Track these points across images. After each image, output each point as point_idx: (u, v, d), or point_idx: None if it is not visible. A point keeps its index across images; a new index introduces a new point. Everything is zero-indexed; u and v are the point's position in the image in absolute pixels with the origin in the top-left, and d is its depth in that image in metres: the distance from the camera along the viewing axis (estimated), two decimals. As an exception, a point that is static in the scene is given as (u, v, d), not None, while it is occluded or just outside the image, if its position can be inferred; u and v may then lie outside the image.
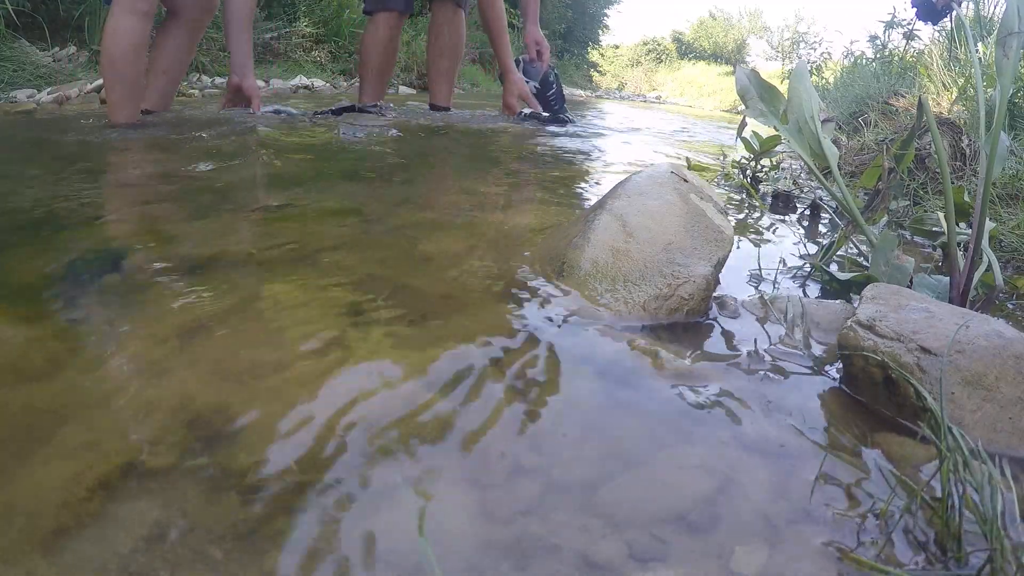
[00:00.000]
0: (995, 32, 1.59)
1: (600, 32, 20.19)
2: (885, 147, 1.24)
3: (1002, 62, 0.81)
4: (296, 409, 0.57)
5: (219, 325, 0.72)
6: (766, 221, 1.47)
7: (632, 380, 0.66)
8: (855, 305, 0.75)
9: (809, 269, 1.04)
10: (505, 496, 0.48)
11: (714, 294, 0.86)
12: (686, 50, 28.39)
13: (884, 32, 4.38)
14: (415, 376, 0.63)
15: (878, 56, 4.24)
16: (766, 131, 1.66)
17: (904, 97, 2.60)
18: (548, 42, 3.27)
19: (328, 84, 5.60)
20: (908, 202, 1.55)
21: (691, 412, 0.61)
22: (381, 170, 1.68)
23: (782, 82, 4.48)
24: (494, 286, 0.87)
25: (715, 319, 0.83)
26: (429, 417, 0.57)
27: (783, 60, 26.73)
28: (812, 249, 1.25)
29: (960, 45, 2.61)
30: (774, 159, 1.94)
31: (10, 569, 0.40)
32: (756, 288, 0.97)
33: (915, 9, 1.06)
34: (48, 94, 3.04)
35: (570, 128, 2.98)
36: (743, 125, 1.31)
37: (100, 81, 2.53)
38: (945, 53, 2.65)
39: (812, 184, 1.85)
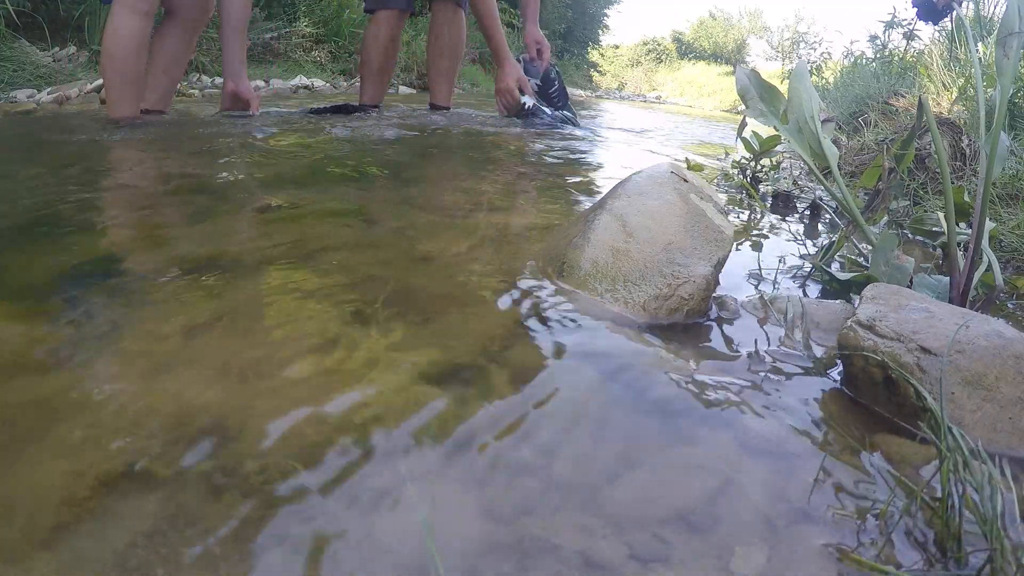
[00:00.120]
0: (995, 32, 1.59)
1: (600, 32, 20.19)
2: (885, 147, 1.24)
3: (1002, 62, 0.81)
4: (296, 408, 0.57)
5: (220, 325, 0.72)
6: (766, 221, 1.47)
7: (632, 380, 0.66)
8: (855, 305, 0.75)
9: (809, 269, 1.04)
10: (506, 495, 0.48)
11: (714, 294, 0.86)
12: (686, 50, 28.39)
13: (884, 32, 4.38)
14: (415, 375, 0.63)
15: (878, 56, 4.24)
16: (766, 131, 1.66)
17: (904, 97, 2.60)
18: (549, 42, 3.26)
19: (328, 84, 5.60)
20: (908, 202, 1.55)
21: (691, 412, 0.61)
22: (380, 170, 1.68)
23: (782, 82, 4.49)
24: (494, 286, 0.87)
25: (715, 319, 0.83)
26: (430, 415, 0.57)
27: (783, 60, 26.74)
28: (812, 249, 1.25)
29: (960, 45, 2.61)
30: (774, 159, 1.94)
31: (10, 566, 0.40)
32: (756, 288, 0.97)
33: (915, 9, 1.06)
34: (48, 94, 3.04)
35: (576, 130, 2.97)
36: (743, 125, 1.31)
37: (100, 81, 2.53)
38: (945, 53, 2.65)
39: (812, 184, 1.85)
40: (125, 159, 1.71)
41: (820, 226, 1.49)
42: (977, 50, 2.37)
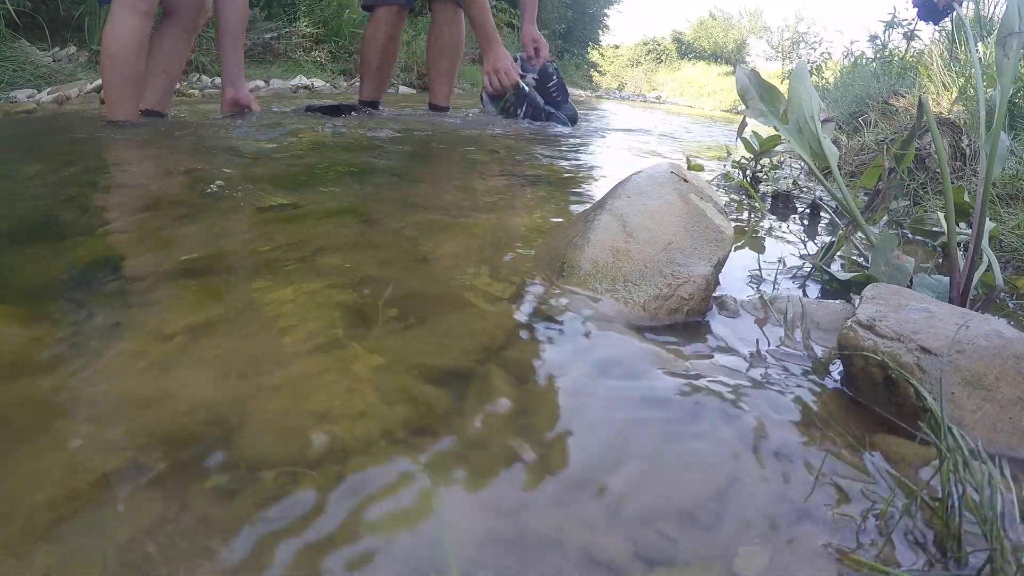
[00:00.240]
0: (995, 32, 1.59)
1: (600, 32, 20.19)
2: (885, 147, 1.24)
3: (1002, 62, 0.81)
4: (297, 407, 0.57)
5: (220, 325, 0.72)
6: (766, 221, 1.47)
7: (632, 380, 0.66)
8: (855, 305, 0.75)
9: (809, 269, 1.04)
10: (507, 491, 0.48)
11: (714, 294, 0.86)
12: (686, 50, 28.38)
13: (884, 32, 4.38)
14: (416, 374, 0.63)
15: (878, 56, 4.24)
16: (766, 131, 1.66)
17: (904, 97, 2.60)
18: (549, 42, 3.27)
19: (328, 84, 5.60)
20: (908, 202, 1.55)
21: (691, 411, 0.61)
22: (379, 170, 1.68)
23: (782, 82, 4.48)
24: (494, 287, 0.87)
25: (715, 319, 0.83)
26: (431, 414, 0.57)
27: (783, 60, 26.73)
28: (812, 249, 1.25)
29: (960, 45, 2.61)
30: (774, 159, 1.94)
31: (12, 558, 0.40)
32: (756, 288, 0.97)
33: (916, 9, 1.06)
34: (48, 94, 3.04)
35: (574, 129, 2.96)
36: (743, 125, 1.31)
37: (100, 81, 2.53)
38: (945, 53, 2.65)
39: (812, 184, 1.85)
40: (125, 160, 1.71)
41: (820, 226, 1.49)
42: (977, 50, 2.37)
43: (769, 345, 0.76)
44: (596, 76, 21.69)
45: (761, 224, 1.44)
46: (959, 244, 0.92)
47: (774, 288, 0.97)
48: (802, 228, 1.45)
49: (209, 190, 1.35)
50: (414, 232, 1.10)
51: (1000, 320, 0.67)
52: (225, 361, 0.64)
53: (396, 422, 0.56)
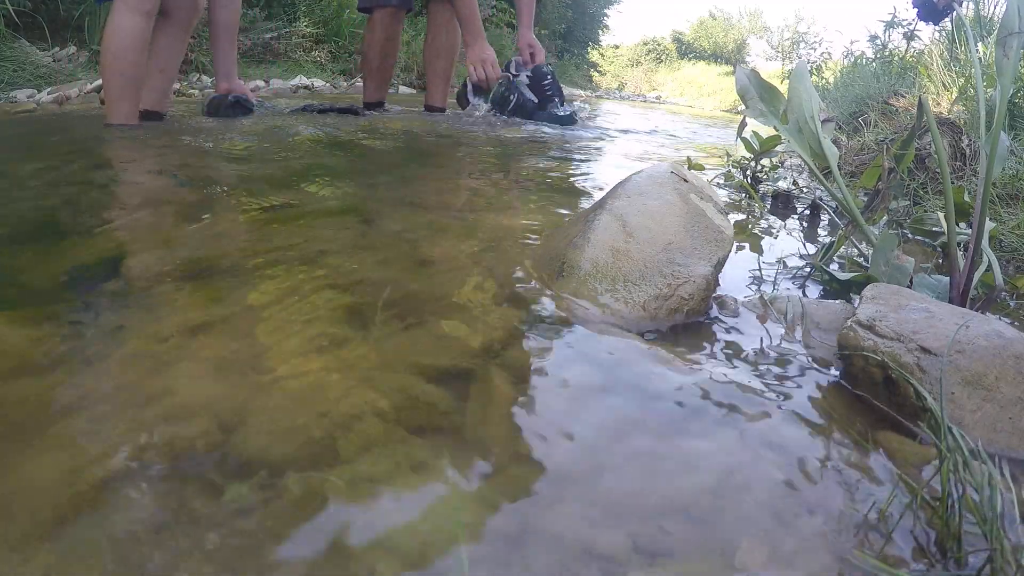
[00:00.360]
0: (995, 32, 1.59)
1: (600, 32, 20.18)
2: (885, 147, 1.24)
3: (1002, 62, 0.81)
4: (297, 406, 0.57)
5: (220, 325, 0.72)
6: (766, 221, 1.47)
7: (632, 378, 0.66)
8: (855, 305, 0.75)
9: (809, 269, 1.04)
10: (508, 486, 0.48)
11: (714, 294, 0.86)
12: (686, 50, 28.37)
13: (884, 32, 4.38)
14: (416, 374, 0.63)
15: (878, 56, 4.24)
16: (766, 131, 1.66)
17: (904, 97, 2.60)
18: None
19: (328, 84, 5.60)
20: (908, 202, 1.55)
21: (691, 410, 0.61)
22: (379, 170, 1.68)
23: (782, 82, 4.48)
24: (494, 287, 0.87)
25: (715, 319, 0.83)
26: (431, 413, 0.57)
27: (783, 60, 26.72)
28: (812, 249, 1.25)
29: (960, 45, 2.61)
30: (774, 159, 1.94)
31: (13, 556, 0.40)
32: (756, 288, 0.97)
33: (916, 9, 1.06)
34: (48, 94, 3.04)
35: (568, 130, 2.95)
36: (743, 125, 1.31)
37: (100, 81, 2.54)
38: (945, 53, 2.65)
39: (812, 184, 1.85)
40: (124, 160, 1.71)
41: (820, 226, 1.49)
42: (977, 50, 2.37)
43: (769, 345, 0.76)
44: (596, 76, 21.68)
45: (761, 224, 1.44)
46: (959, 244, 0.92)
47: (774, 288, 0.97)
48: (802, 228, 1.45)
49: (209, 190, 1.35)
50: (413, 233, 1.10)
51: (1000, 320, 0.67)
52: (225, 361, 0.64)
53: (396, 422, 0.56)
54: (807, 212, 1.58)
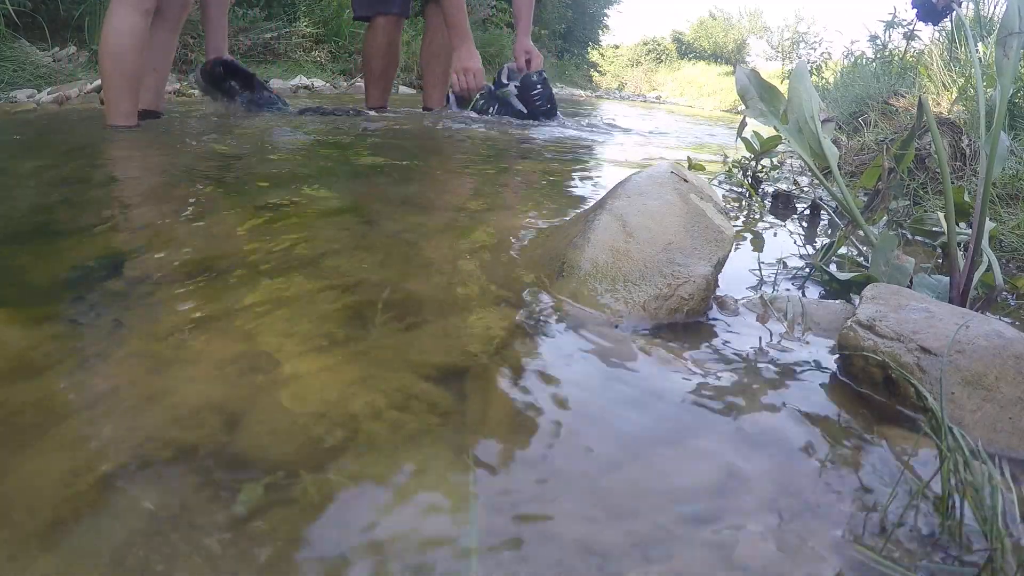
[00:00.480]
0: (995, 32, 1.59)
1: (600, 32, 20.19)
2: (885, 147, 1.24)
3: (1002, 62, 0.81)
4: (295, 406, 0.57)
5: (220, 325, 0.72)
6: (766, 221, 1.47)
7: (632, 378, 0.66)
8: (855, 305, 0.75)
9: (809, 269, 1.04)
10: (507, 485, 0.48)
11: (714, 294, 0.86)
12: (686, 50, 28.37)
13: (884, 32, 4.38)
14: (416, 374, 0.63)
15: (878, 56, 4.24)
16: (766, 131, 1.66)
17: (904, 97, 2.60)
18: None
19: (328, 84, 5.60)
20: (908, 202, 1.55)
21: (691, 408, 0.61)
22: (378, 171, 1.68)
23: (782, 82, 4.48)
24: (494, 287, 0.87)
25: (715, 319, 0.83)
26: (431, 413, 0.57)
27: (783, 60, 26.72)
28: (812, 249, 1.25)
29: (960, 45, 2.61)
30: (774, 159, 1.94)
31: (10, 561, 0.40)
32: (756, 288, 0.97)
33: (915, 10, 1.06)
34: (48, 94, 3.04)
35: (568, 130, 2.95)
36: (743, 125, 1.31)
37: (100, 81, 2.54)
38: (945, 53, 2.65)
39: (812, 184, 1.85)
40: (124, 160, 1.71)
41: (820, 226, 1.49)
42: (977, 50, 2.37)
43: (769, 344, 0.76)
44: (596, 76, 21.68)
45: (761, 224, 1.44)
46: (959, 244, 0.92)
47: (774, 288, 0.97)
48: (802, 228, 1.45)
49: (209, 190, 1.35)
50: (413, 233, 1.10)
51: (1000, 320, 0.67)
52: (225, 361, 0.64)
53: (396, 422, 0.56)
54: (807, 212, 1.58)
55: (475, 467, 0.51)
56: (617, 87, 24.66)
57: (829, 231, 1.44)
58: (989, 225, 0.99)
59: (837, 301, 0.87)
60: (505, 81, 3.09)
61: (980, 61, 2.19)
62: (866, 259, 1.04)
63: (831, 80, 4.98)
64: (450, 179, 1.72)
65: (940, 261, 1.16)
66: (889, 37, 4.36)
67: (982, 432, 0.58)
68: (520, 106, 3.02)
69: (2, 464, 0.49)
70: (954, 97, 2.19)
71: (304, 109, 2.82)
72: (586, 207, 1.13)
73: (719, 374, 0.68)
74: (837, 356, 0.72)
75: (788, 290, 0.97)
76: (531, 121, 3.00)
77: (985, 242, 0.88)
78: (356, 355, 0.66)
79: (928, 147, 1.63)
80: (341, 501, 0.47)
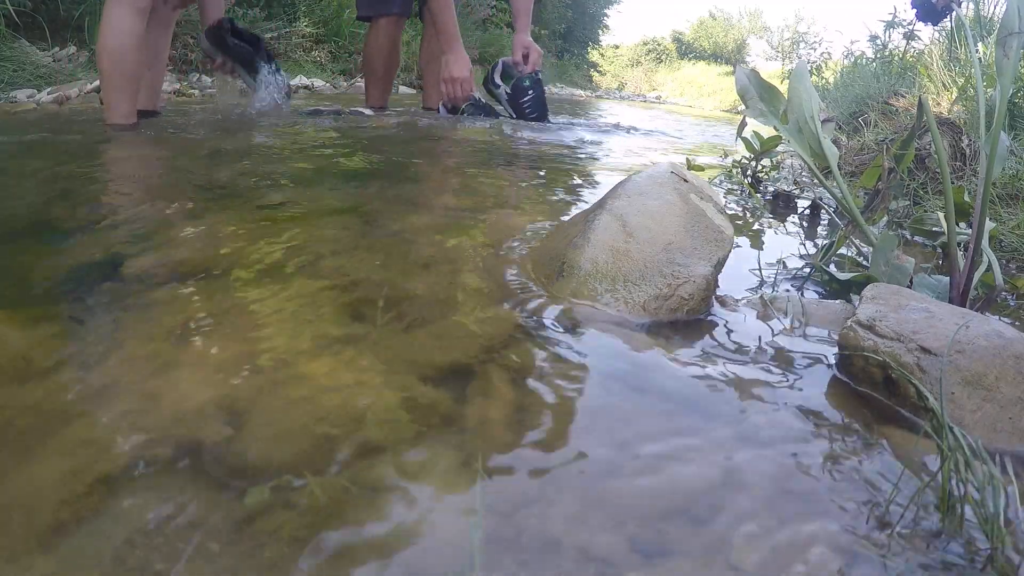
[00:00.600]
0: (995, 32, 1.59)
1: (600, 32, 20.19)
2: (885, 147, 1.24)
3: (1002, 62, 0.81)
4: (294, 407, 0.57)
5: (220, 325, 0.72)
6: (766, 221, 1.47)
7: (632, 377, 0.66)
8: (855, 305, 0.75)
9: (809, 269, 1.04)
10: (506, 488, 0.48)
11: (714, 294, 0.86)
12: (686, 50, 28.37)
13: (884, 32, 4.38)
14: (416, 374, 0.63)
15: (878, 56, 4.24)
16: (766, 131, 1.66)
17: (904, 97, 2.60)
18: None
19: (328, 84, 5.60)
20: (908, 202, 1.55)
21: (691, 408, 0.61)
22: (378, 170, 1.68)
23: (782, 82, 4.48)
24: (494, 287, 0.87)
25: (715, 319, 0.83)
26: (431, 413, 0.57)
27: (783, 60, 26.71)
28: (812, 249, 1.25)
29: (960, 45, 2.61)
30: (774, 159, 1.94)
31: (10, 564, 0.40)
32: (756, 288, 0.97)
33: (915, 10, 1.06)
34: (48, 94, 3.04)
35: (568, 130, 2.95)
36: (743, 125, 1.31)
37: (99, 81, 2.55)
38: (945, 53, 2.65)
39: (812, 184, 1.85)
40: (123, 160, 1.71)
41: (820, 226, 1.49)
42: (977, 50, 2.37)
43: (769, 344, 0.76)
44: (596, 76, 21.67)
45: (761, 224, 1.44)
46: (959, 244, 0.92)
47: (774, 288, 0.98)
48: (802, 228, 1.45)
49: (209, 190, 1.35)
50: (413, 233, 1.10)
51: (1000, 320, 0.67)
52: (225, 362, 0.64)
53: (396, 422, 0.56)
54: (807, 212, 1.58)
55: (476, 467, 0.51)
56: (617, 87, 24.65)
57: (829, 231, 1.44)
58: (989, 225, 0.99)
59: (837, 301, 0.87)
60: (498, 82, 3.08)
61: (980, 61, 2.19)
62: (866, 259, 1.04)
63: (831, 80, 4.98)
64: (450, 179, 1.72)
65: (940, 261, 1.16)
66: (889, 37, 4.36)
67: (982, 432, 0.58)
68: (509, 113, 3.02)
69: (2, 464, 0.49)
70: (954, 97, 2.19)
71: (312, 111, 2.82)
72: (586, 207, 1.13)
73: (719, 375, 0.68)
74: (837, 356, 0.72)
75: (788, 290, 0.97)
76: (531, 121, 3.00)
77: (985, 242, 0.88)
78: (357, 355, 0.67)
79: (928, 147, 1.63)
80: (343, 502, 0.47)
